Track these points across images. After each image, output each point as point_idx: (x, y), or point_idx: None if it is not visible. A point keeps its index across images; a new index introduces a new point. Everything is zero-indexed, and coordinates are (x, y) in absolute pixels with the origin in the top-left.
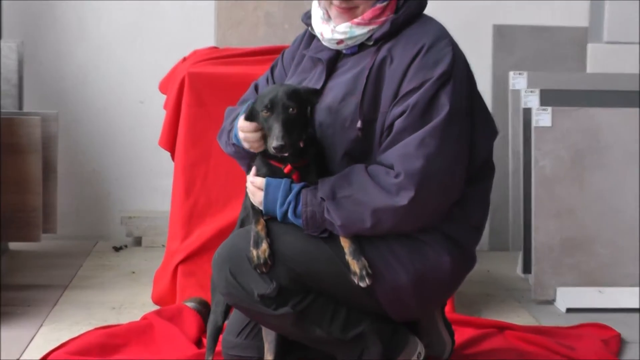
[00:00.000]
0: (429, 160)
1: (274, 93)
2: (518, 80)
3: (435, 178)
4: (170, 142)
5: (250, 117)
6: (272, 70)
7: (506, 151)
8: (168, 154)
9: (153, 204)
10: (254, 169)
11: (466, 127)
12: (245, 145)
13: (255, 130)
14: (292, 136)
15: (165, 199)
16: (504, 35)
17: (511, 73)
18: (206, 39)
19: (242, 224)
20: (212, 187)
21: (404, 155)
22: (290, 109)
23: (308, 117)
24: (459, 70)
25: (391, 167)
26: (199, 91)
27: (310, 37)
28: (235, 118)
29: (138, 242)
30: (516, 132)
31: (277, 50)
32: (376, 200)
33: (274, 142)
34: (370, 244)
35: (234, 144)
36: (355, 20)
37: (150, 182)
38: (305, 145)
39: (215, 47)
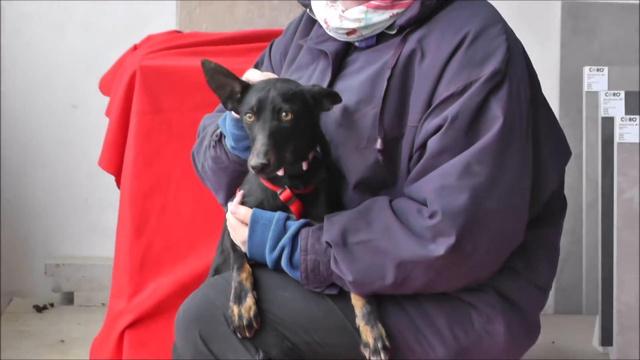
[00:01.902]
0: (476, 194)
1: (266, 90)
2: (596, 79)
3: (486, 219)
4: (114, 162)
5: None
6: (256, 67)
7: (578, 177)
8: (111, 178)
9: (90, 247)
10: (239, 194)
11: (527, 148)
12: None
13: None
14: (282, 153)
15: (106, 241)
16: (577, 17)
17: (586, 69)
18: (165, 21)
19: (217, 273)
20: (173, 223)
21: (442, 187)
22: (284, 114)
23: (315, 127)
24: (516, 68)
25: (424, 204)
26: (154, 92)
27: (309, 22)
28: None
29: (69, 299)
30: (593, 151)
31: (263, 37)
32: (403, 249)
33: (253, 159)
34: (394, 304)
35: (217, 142)
36: (373, 2)
37: (86, 216)
38: (311, 167)
39: (177, 32)
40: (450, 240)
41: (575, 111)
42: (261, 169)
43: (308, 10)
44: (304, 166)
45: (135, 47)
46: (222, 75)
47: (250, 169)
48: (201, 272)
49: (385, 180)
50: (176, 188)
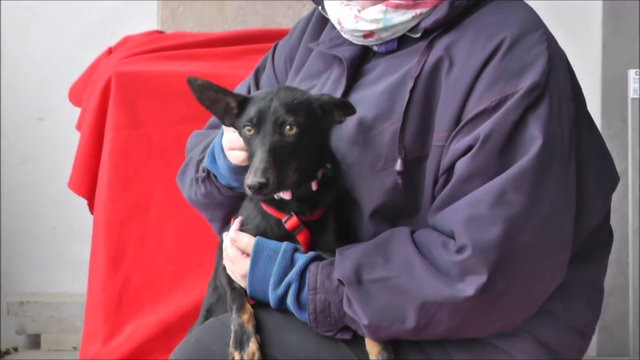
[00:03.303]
0: (511, 226)
1: (267, 100)
2: None
3: (521, 255)
4: (86, 184)
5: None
6: (256, 74)
7: (623, 198)
8: (83, 202)
9: (59, 282)
10: (237, 221)
11: (570, 173)
12: (234, 160)
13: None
14: (284, 171)
15: (78, 275)
16: (620, 15)
17: (631, 72)
18: (145, 20)
19: (209, 314)
20: (154, 254)
21: (471, 217)
22: (287, 127)
23: (324, 142)
24: (558, 81)
25: (451, 236)
26: (132, 102)
27: (320, 22)
28: (210, 144)
29: (35, 342)
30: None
31: (257, 38)
32: (426, 289)
33: (249, 178)
34: (415, 349)
35: (206, 177)
36: (393, 1)
37: (55, 247)
38: (322, 188)
39: (158, 32)
40: (481, 279)
41: (619, 121)
42: (259, 189)
43: (320, 8)
44: (314, 186)
45: (110, 51)
46: (213, 91)
47: (247, 190)
48: (187, 311)
49: (406, 207)
50: (158, 213)
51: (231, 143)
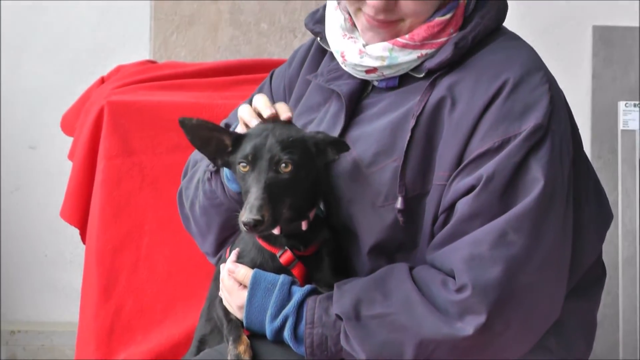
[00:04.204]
0: (511, 266)
1: (263, 136)
2: (633, 116)
3: (520, 295)
4: (78, 213)
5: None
6: (251, 103)
7: (614, 228)
8: (75, 231)
9: (50, 310)
10: (234, 254)
11: (568, 214)
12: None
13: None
14: (278, 208)
15: (70, 303)
16: (610, 44)
17: (621, 104)
18: (137, 48)
19: (202, 344)
20: (146, 283)
21: (472, 257)
22: (283, 165)
23: (318, 180)
24: (559, 123)
25: (451, 274)
26: (125, 131)
27: (319, 52)
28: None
29: None
30: (630, 198)
31: (251, 68)
32: (425, 326)
33: (245, 215)
34: None
35: (213, 174)
36: (400, 40)
37: (46, 275)
38: (312, 227)
39: (151, 62)
40: (480, 319)
41: (609, 152)
42: (254, 226)
43: (319, 39)
44: (304, 226)
45: (102, 80)
46: (207, 131)
47: (242, 227)
48: (179, 340)
49: (404, 243)
50: (150, 242)
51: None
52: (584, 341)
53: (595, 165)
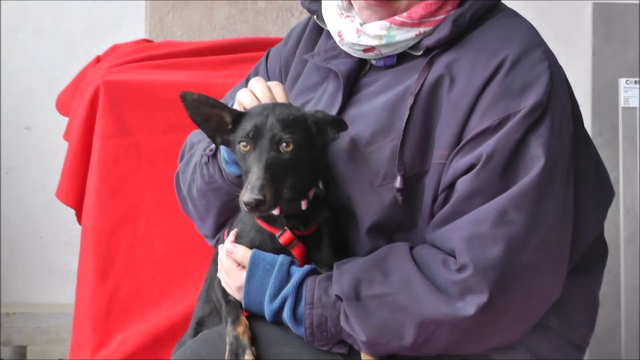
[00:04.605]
0: (512, 245)
1: (263, 115)
2: (633, 93)
3: (521, 274)
4: (74, 194)
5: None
6: (247, 83)
7: (615, 206)
8: (71, 211)
9: (46, 292)
10: (232, 234)
11: (568, 192)
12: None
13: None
14: (279, 188)
15: (66, 285)
16: (610, 21)
17: (622, 81)
18: (133, 28)
19: (200, 325)
20: (143, 263)
21: (473, 236)
22: (284, 145)
23: (318, 159)
24: (559, 100)
25: (451, 254)
26: (121, 111)
27: (316, 31)
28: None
29: (21, 354)
30: (631, 176)
31: (247, 46)
32: (425, 306)
33: (246, 195)
34: None
35: (210, 157)
36: (398, 18)
37: (42, 256)
38: (312, 206)
39: (146, 41)
40: (481, 298)
41: (609, 130)
42: (255, 206)
43: (316, 17)
44: (303, 205)
45: (98, 59)
46: (208, 107)
47: (243, 206)
48: (177, 321)
49: (403, 222)
50: (147, 222)
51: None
52: (586, 320)
53: (596, 143)
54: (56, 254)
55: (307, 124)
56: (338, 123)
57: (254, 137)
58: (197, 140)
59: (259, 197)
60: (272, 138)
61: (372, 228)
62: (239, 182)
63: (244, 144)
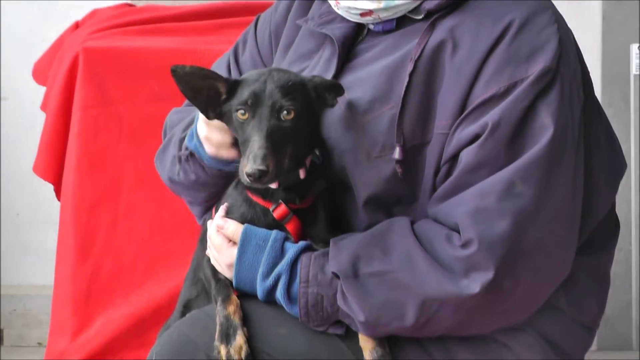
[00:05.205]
0: (519, 219)
1: (261, 82)
2: None
3: (529, 250)
4: (52, 168)
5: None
6: (236, 51)
7: (625, 182)
8: (49, 187)
9: (23, 273)
10: (222, 208)
11: (579, 162)
12: (209, 149)
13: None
14: (281, 158)
15: (44, 265)
16: None
17: (634, 47)
18: None
19: (187, 309)
20: (126, 242)
21: (478, 210)
22: (285, 112)
23: (317, 127)
24: (568, 65)
25: (455, 229)
26: (101, 80)
27: None
28: (193, 121)
29: None
30: None
31: (236, 11)
32: (428, 284)
33: (248, 165)
34: (413, 345)
35: (189, 155)
36: None
37: (18, 235)
38: (310, 175)
39: (128, 5)
40: (487, 275)
41: (620, 99)
42: (259, 177)
43: None
44: (302, 174)
45: (77, 25)
46: (200, 79)
47: (244, 177)
48: (162, 303)
49: (403, 196)
50: (129, 198)
51: (206, 133)
52: (596, 300)
53: (606, 113)
54: (34, 233)
55: (306, 90)
56: (337, 88)
57: (253, 104)
58: (176, 121)
59: (262, 167)
60: (273, 106)
61: (369, 201)
62: (226, 174)
63: (242, 111)
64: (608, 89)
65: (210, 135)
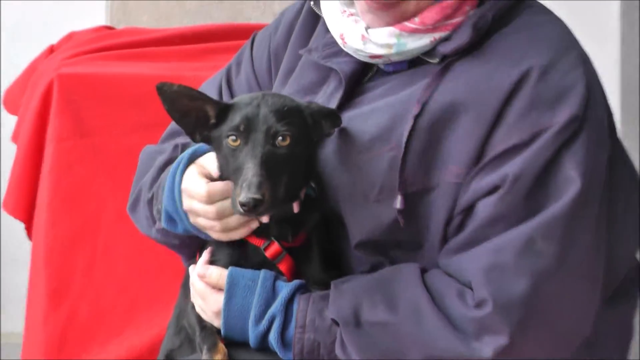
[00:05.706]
0: (538, 280)
1: (254, 105)
2: None
3: (548, 312)
4: (24, 204)
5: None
6: (228, 73)
7: None
8: (20, 225)
9: None
10: (206, 253)
11: (602, 214)
12: (202, 222)
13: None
14: (277, 187)
15: (14, 311)
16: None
17: None
18: (91, 12)
19: (170, 358)
20: (104, 285)
21: (494, 267)
22: (280, 138)
23: (314, 157)
24: (595, 111)
25: (468, 285)
26: (77, 109)
27: (312, 19)
28: (164, 167)
29: None
30: None
31: (224, 34)
32: (436, 343)
33: (242, 194)
34: None
35: (164, 229)
36: (409, 25)
37: None
38: (304, 209)
39: (108, 28)
40: (501, 340)
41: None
42: (253, 207)
43: (312, 3)
44: (295, 208)
45: (52, 49)
46: (188, 99)
47: (238, 208)
48: (142, 352)
49: (404, 242)
50: (107, 238)
51: (192, 205)
52: (618, 353)
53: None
54: (3, 274)
55: (302, 115)
56: (334, 116)
57: (245, 130)
58: (146, 164)
59: (257, 196)
60: (267, 131)
61: (363, 245)
62: (205, 235)
63: (234, 138)
64: (626, 117)
65: (195, 207)
